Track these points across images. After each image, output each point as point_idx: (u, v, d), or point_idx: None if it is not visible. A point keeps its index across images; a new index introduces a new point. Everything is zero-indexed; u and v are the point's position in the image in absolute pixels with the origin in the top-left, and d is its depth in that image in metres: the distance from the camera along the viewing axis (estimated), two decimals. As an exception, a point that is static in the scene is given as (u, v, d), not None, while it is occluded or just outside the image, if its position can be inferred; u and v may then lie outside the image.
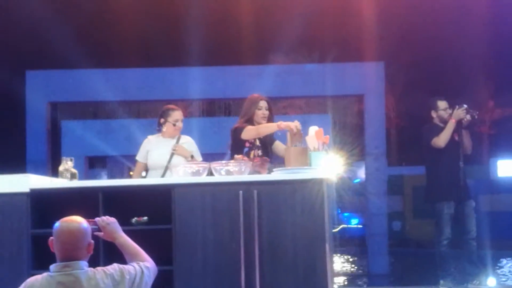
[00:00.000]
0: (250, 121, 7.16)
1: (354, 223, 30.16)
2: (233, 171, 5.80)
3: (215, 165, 5.87)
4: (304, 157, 5.90)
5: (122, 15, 27.86)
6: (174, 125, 7.44)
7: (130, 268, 3.99)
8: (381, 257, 17.67)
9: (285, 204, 5.52)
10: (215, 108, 20.36)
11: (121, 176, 20.30)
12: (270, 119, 7.17)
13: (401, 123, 36.93)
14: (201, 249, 5.53)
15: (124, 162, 20.16)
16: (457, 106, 8.46)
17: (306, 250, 5.46)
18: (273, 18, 29.76)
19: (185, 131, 7.68)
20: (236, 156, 6.28)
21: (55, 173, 6.39)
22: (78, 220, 3.90)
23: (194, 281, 5.52)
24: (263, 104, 7.19)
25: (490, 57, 31.84)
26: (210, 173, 5.88)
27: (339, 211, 29.83)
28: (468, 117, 8.43)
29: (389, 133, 31.78)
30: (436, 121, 8.67)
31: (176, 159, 7.28)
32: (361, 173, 23.89)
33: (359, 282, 16.60)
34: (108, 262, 4.08)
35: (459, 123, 8.42)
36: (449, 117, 8.47)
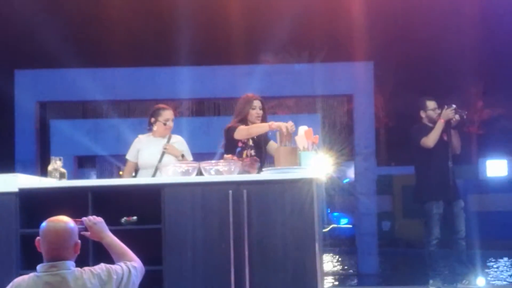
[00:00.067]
0: (244, 120, 7.16)
1: (344, 223, 30.18)
2: (222, 170, 5.80)
3: (204, 164, 5.86)
4: (294, 157, 5.90)
5: (111, 14, 27.83)
6: (165, 124, 7.44)
7: (117, 268, 3.98)
8: (371, 257, 17.70)
9: (274, 204, 5.52)
10: (205, 108, 20.31)
11: (111, 175, 20.24)
12: (263, 119, 7.17)
13: (390, 123, 36.98)
14: (190, 249, 5.52)
15: (113, 162, 20.11)
16: (446, 106, 8.48)
17: (295, 249, 5.46)
18: (262, 18, 29.77)
19: (175, 130, 7.69)
20: (225, 155, 6.28)
21: (44, 172, 6.38)
22: (64, 220, 3.89)
23: (183, 281, 5.52)
24: (257, 103, 7.19)
25: (479, 57, 31.91)
26: (200, 173, 5.88)
27: (329, 211, 29.86)
28: (457, 117, 8.45)
29: (378, 133, 31.82)
30: (425, 121, 8.68)
31: (167, 158, 7.28)
32: (351, 173, 23.90)
33: (349, 282, 16.62)
34: (97, 262, 4.07)
35: (448, 123, 8.44)
36: (438, 117, 8.49)
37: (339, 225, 29.89)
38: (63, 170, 6.02)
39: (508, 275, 16.43)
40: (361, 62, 19.43)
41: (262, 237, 5.49)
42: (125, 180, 6.40)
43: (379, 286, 15.38)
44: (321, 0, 29.93)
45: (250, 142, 7.10)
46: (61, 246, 3.81)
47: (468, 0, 30.21)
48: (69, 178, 6.25)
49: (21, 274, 3.95)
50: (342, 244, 25.67)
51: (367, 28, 29.35)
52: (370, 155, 18.01)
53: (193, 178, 5.79)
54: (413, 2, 31.20)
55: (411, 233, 24.26)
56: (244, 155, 6.98)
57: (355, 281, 16.87)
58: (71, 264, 3.82)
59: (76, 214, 4.23)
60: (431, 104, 8.69)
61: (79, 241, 3.91)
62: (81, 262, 4.05)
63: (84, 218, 4.18)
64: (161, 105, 7.66)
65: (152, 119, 7.49)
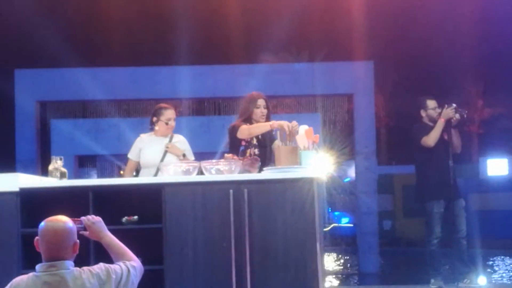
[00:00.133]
0: (249, 119, 7.17)
1: (345, 222, 30.19)
2: (223, 170, 5.80)
3: (205, 164, 5.86)
4: (294, 156, 5.90)
5: (111, 14, 27.82)
6: (167, 123, 7.44)
7: (117, 267, 3.98)
8: (372, 256, 17.69)
9: (275, 203, 5.52)
10: (205, 107, 20.30)
11: (111, 175, 20.23)
12: (268, 118, 7.16)
13: (391, 122, 36.97)
14: (191, 248, 5.52)
15: (114, 161, 20.10)
16: (446, 105, 8.48)
17: (296, 249, 5.46)
18: (262, 17, 29.76)
19: (175, 130, 7.69)
20: (226, 155, 6.28)
21: (44, 172, 6.38)
22: (63, 220, 3.88)
23: (184, 280, 5.52)
24: (261, 102, 7.20)
25: (480, 57, 31.91)
26: (201, 172, 5.88)
27: (330, 210, 29.86)
28: (457, 116, 8.45)
29: (379, 132, 31.81)
30: (426, 120, 8.68)
31: (169, 157, 7.29)
32: (351, 172, 23.88)
33: (350, 281, 16.61)
34: (98, 262, 4.06)
35: (448, 122, 8.43)
36: (438, 116, 8.49)
37: (340, 224, 29.89)
38: (63, 169, 6.02)
39: (509, 274, 16.42)
40: (361, 62, 19.41)
41: (263, 237, 5.49)
42: (125, 180, 6.40)
43: (380, 285, 15.36)
44: (321, 0, 29.92)
45: (254, 141, 7.11)
46: (60, 246, 3.80)
47: (467, 0, 30.19)
48: (70, 177, 6.25)
49: (22, 274, 3.95)
50: (343, 243, 25.67)
51: (367, 27, 29.34)
52: (371, 154, 18.00)
53: (194, 178, 5.79)
54: (413, 1, 31.20)
55: (412, 232, 24.28)
56: (247, 154, 6.99)
57: (356, 280, 16.86)
58: (70, 264, 3.82)
59: (77, 213, 4.23)
60: (431, 103, 8.69)
61: (78, 241, 3.91)
62: (82, 262, 4.04)
63: (83, 218, 4.18)
64: (163, 105, 7.66)
65: (154, 119, 7.49)
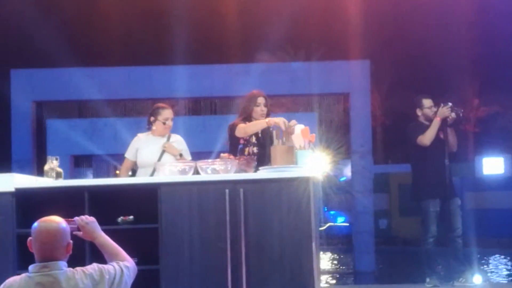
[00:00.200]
0: (249, 118, 7.18)
1: (341, 221, 30.20)
2: (219, 169, 5.80)
3: (201, 163, 5.86)
4: (290, 156, 5.90)
5: (107, 13, 27.79)
6: (164, 123, 7.44)
7: (110, 267, 3.97)
8: (368, 255, 17.70)
9: (271, 202, 5.52)
10: (201, 106, 20.31)
11: (107, 175, 20.24)
12: (268, 116, 7.16)
13: (387, 121, 37.01)
14: (187, 248, 5.52)
15: (109, 161, 20.11)
16: (442, 104, 8.49)
17: (292, 248, 5.46)
18: (259, 17, 29.77)
19: (172, 129, 7.68)
20: (222, 154, 6.29)
21: (40, 172, 6.37)
22: (56, 220, 3.87)
23: (180, 280, 5.52)
24: (261, 100, 7.20)
25: (475, 55, 31.95)
26: (197, 172, 5.88)
27: (326, 209, 29.88)
28: (453, 115, 8.47)
29: (375, 131, 31.84)
30: (421, 119, 8.69)
31: (166, 157, 7.29)
32: (347, 171, 23.89)
33: (346, 280, 16.62)
34: (93, 262, 4.06)
35: (444, 121, 8.45)
36: (434, 115, 8.50)
37: (336, 224, 29.90)
38: (59, 169, 6.02)
39: (505, 273, 16.45)
40: (357, 61, 19.40)
41: (259, 236, 5.49)
42: (121, 180, 6.40)
43: (376, 284, 15.37)
44: (317, -1, 29.95)
45: (253, 139, 7.11)
46: (53, 247, 3.80)
47: (463, -1, 30.23)
48: (66, 177, 6.25)
49: (17, 274, 3.94)
50: (339, 242, 25.72)
51: (364, 26, 29.34)
52: (367, 153, 18.00)
53: (190, 177, 5.79)
54: (409, 1, 31.21)
55: (407, 231, 24.30)
56: (245, 153, 7.00)
57: (352, 279, 16.87)
58: (63, 264, 3.81)
59: (73, 213, 4.23)
60: (427, 102, 8.70)
61: (71, 241, 3.90)
62: (77, 262, 4.04)
63: (76, 218, 4.16)
64: (160, 104, 7.66)
65: (152, 118, 7.49)
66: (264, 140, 7.14)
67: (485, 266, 17.00)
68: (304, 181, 5.50)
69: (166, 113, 7.47)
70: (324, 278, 15.56)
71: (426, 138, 8.43)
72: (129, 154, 7.50)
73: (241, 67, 18.90)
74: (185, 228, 5.54)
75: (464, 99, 33.20)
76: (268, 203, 5.52)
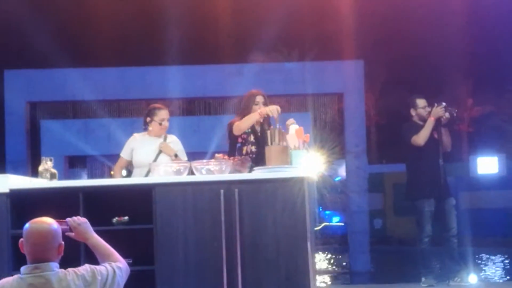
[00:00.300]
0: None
1: (336, 221, 30.23)
2: (213, 170, 5.80)
3: (196, 164, 5.86)
4: (285, 156, 5.90)
5: (100, 14, 27.75)
6: (160, 124, 7.43)
7: (102, 268, 3.96)
8: (363, 255, 17.71)
9: (266, 203, 5.52)
10: (195, 107, 20.29)
11: (102, 175, 20.20)
12: (268, 116, 7.14)
13: (381, 121, 37.03)
14: (182, 249, 5.52)
15: (104, 162, 20.07)
16: (436, 104, 8.50)
17: (287, 248, 5.46)
18: (252, 17, 29.75)
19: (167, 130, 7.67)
20: (216, 155, 6.29)
21: (34, 173, 6.36)
22: (48, 221, 3.86)
23: (176, 280, 5.51)
24: (259, 99, 7.20)
25: (469, 55, 31.99)
26: (191, 172, 5.87)
27: (320, 209, 29.90)
28: (447, 115, 8.48)
29: (369, 131, 31.84)
30: (415, 119, 8.70)
31: (162, 158, 7.28)
32: (342, 171, 23.92)
33: (341, 280, 16.62)
34: (89, 263, 4.05)
35: (438, 121, 8.45)
36: (428, 115, 8.50)
37: (331, 223, 29.94)
38: (54, 170, 6.01)
39: (500, 272, 16.47)
40: (351, 61, 19.42)
41: (254, 236, 5.49)
42: (116, 180, 6.39)
43: (371, 284, 15.37)
44: (311, -1, 29.96)
45: (251, 138, 7.12)
46: (45, 248, 3.79)
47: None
48: (60, 178, 6.24)
49: (12, 275, 3.93)
50: (334, 242, 25.73)
51: (357, 26, 29.35)
52: (361, 153, 18.01)
53: (185, 178, 5.78)
54: (403, 1, 31.24)
55: (402, 230, 24.33)
56: (244, 151, 7.01)
57: (347, 279, 16.88)
58: (55, 265, 3.80)
59: (67, 214, 4.21)
60: (421, 102, 8.71)
61: (63, 242, 3.88)
62: (72, 263, 4.03)
63: (68, 219, 4.15)
64: (156, 105, 7.65)
65: (148, 119, 7.48)
66: (263, 139, 7.14)
67: (480, 266, 17.02)
68: (299, 181, 5.50)
69: (162, 114, 7.47)
70: (319, 278, 15.56)
71: (420, 138, 8.44)
72: (124, 153, 7.50)
73: (235, 67, 18.90)
74: (180, 228, 5.54)
75: (458, 99, 33.23)
76: (263, 204, 5.52)
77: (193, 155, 8.06)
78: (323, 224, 28.38)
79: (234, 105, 17.24)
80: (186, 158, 7.32)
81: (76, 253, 5.16)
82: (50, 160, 6.03)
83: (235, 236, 5.46)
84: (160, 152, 7.35)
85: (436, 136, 8.47)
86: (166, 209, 5.57)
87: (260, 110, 6.77)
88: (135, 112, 18.79)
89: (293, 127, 6.16)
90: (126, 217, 5.70)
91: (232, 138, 7.13)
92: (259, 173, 5.73)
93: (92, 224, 4.26)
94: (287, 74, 18.29)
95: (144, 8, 29.90)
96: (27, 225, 3.85)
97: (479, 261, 17.99)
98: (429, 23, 32.64)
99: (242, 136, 7.09)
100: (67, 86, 17.41)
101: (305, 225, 5.47)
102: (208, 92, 18.42)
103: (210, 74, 18.29)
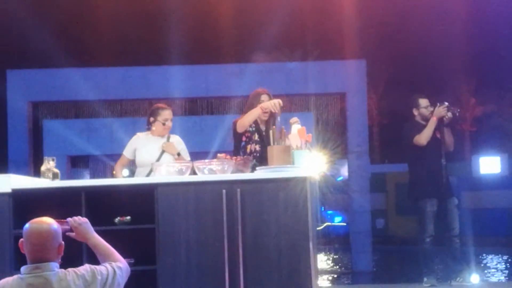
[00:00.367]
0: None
1: (338, 221, 30.21)
2: (216, 170, 5.79)
3: (198, 164, 5.86)
4: (287, 156, 5.90)
5: (102, 14, 27.77)
6: (164, 124, 7.43)
7: (102, 268, 3.96)
8: (365, 255, 17.70)
9: (268, 202, 5.51)
10: (197, 106, 20.28)
11: (104, 175, 20.20)
12: (272, 115, 7.14)
13: (384, 121, 37.03)
14: (184, 249, 5.51)
15: (106, 162, 20.06)
16: (438, 104, 8.49)
17: (289, 248, 5.46)
18: (255, 17, 29.76)
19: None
20: (219, 155, 6.28)
21: (37, 173, 6.37)
22: (48, 221, 3.86)
23: (177, 280, 5.51)
24: (264, 98, 7.18)
25: (472, 55, 31.98)
26: (193, 172, 5.87)
27: (323, 209, 29.87)
28: (450, 114, 8.47)
29: (371, 131, 31.84)
30: (418, 118, 8.69)
31: (165, 157, 7.28)
32: (344, 171, 23.89)
33: (343, 280, 16.62)
34: (91, 263, 4.05)
35: (440, 120, 8.45)
36: (430, 115, 8.50)
37: (333, 223, 29.91)
38: (56, 170, 6.00)
39: (502, 272, 16.46)
40: (353, 60, 19.41)
41: (256, 236, 5.48)
42: (118, 180, 6.39)
43: (373, 284, 15.36)
44: (313, -1, 29.97)
45: (255, 137, 7.10)
46: (45, 248, 3.79)
47: (459, -2, 30.25)
48: (62, 178, 6.23)
49: (14, 275, 3.93)
50: (336, 242, 25.70)
51: (360, 26, 29.37)
52: (364, 153, 18.01)
53: (187, 178, 5.78)
54: (405, 0, 31.23)
55: (404, 230, 24.29)
56: (248, 150, 7.00)
57: (349, 279, 16.86)
58: (55, 265, 3.80)
59: (70, 214, 4.22)
60: (423, 101, 8.70)
61: (63, 242, 3.89)
62: (75, 263, 4.03)
63: (69, 219, 4.15)
64: (160, 105, 7.65)
65: (151, 119, 7.48)
66: (268, 138, 7.14)
67: (482, 265, 17.00)
68: (301, 181, 5.50)
69: (166, 114, 7.46)
70: (321, 278, 15.56)
71: (423, 137, 8.44)
72: (126, 152, 7.50)
73: (237, 67, 18.89)
74: (182, 228, 5.54)
75: (461, 99, 33.28)
76: (265, 203, 5.52)
77: (196, 155, 8.06)
78: (325, 224, 28.36)
79: (236, 105, 17.24)
80: (189, 158, 7.31)
81: (78, 253, 5.16)
82: (53, 160, 6.03)
83: (237, 236, 5.45)
84: (163, 151, 7.35)
85: (438, 135, 8.46)
86: (168, 209, 5.56)
87: (262, 105, 6.77)
88: (137, 111, 18.80)
89: (296, 127, 6.16)
90: (128, 217, 5.70)
91: (237, 137, 7.13)
92: (261, 173, 5.72)
93: (94, 224, 4.26)
94: (289, 74, 18.29)
95: (146, 8, 29.93)
96: (27, 225, 3.85)
97: (481, 261, 17.98)
98: (431, 23, 32.65)
99: (246, 134, 7.09)
100: (70, 86, 17.42)
101: (307, 225, 5.47)
102: (210, 92, 18.42)
103: (212, 73, 18.29)
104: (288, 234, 5.47)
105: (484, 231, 20.47)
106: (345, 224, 27.10)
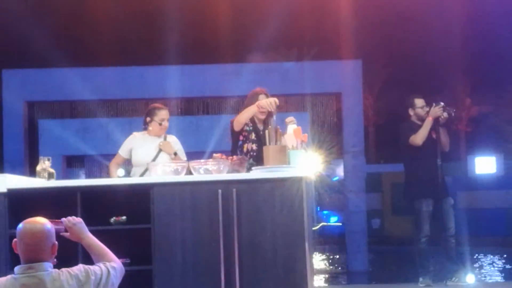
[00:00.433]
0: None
1: (333, 221, 30.24)
2: (211, 170, 5.79)
3: (194, 164, 5.85)
4: (283, 156, 5.90)
5: (99, 13, 27.76)
6: (160, 124, 7.42)
7: (96, 268, 3.95)
8: (360, 255, 17.71)
9: (264, 202, 5.52)
10: (194, 106, 20.29)
11: (100, 175, 20.20)
12: (270, 114, 7.14)
13: (379, 121, 37.06)
14: (180, 248, 5.51)
15: (102, 161, 20.06)
16: (434, 104, 8.50)
17: (285, 248, 5.46)
18: (251, 17, 29.77)
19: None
20: (214, 154, 6.28)
21: (32, 172, 6.36)
22: (41, 221, 3.85)
23: (173, 280, 5.51)
24: (262, 98, 7.18)
25: (467, 55, 32.03)
26: (189, 172, 5.87)
27: (318, 209, 29.89)
28: (445, 114, 8.47)
29: (367, 131, 31.91)
30: (414, 119, 8.69)
31: (162, 157, 7.27)
32: (340, 171, 23.92)
33: (339, 280, 16.63)
34: (87, 263, 4.05)
35: (436, 120, 8.45)
36: (426, 115, 8.50)
37: (328, 223, 29.94)
38: (51, 170, 5.99)
39: (498, 272, 16.48)
40: (349, 61, 19.42)
41: (252, 236, 5.48)
42: (114, 180, 6.38)
43: (369, 284, 15.38)
44: (309, -1, 29.98)
45: (252, 136, 7.10)
46: (38, 248, 3.78)
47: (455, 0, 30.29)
48: (58, 178, 6.23)
49: (8, 275, 3.93)
50: (331, 242, 25.71)
51: (355, 26, 29.38)
52: (359, 153, 18.02)
53: (182, 178, 5.78)
54: (401, 1, 31.25)
55: (400, 230, 24.33)
56: (244, 149, 7.00)
57: (345, 279, 16.88)
58: (48, 265, 3.79)
59: (65, 214, 4.21)
60: (419, 102, 8.71)
61: (56, 242, 3.88)
62: (71, 263, 4.03)
63: (63, 219, 4.14)
64: (156, 105, 7.63)
65: (148, 119, 7.46)
66: (264, 137, 7.14)
67: (478, 266, 17.03)
68: (297, 181, 5.50)
69: (162, 114, 7.45)
70: (317, 278, 15.57)
71: (418, 137, 8.44)
72: (122, 151, 7.49)
73: (233, 67, 18.90)
74: (178, 228, 5.54)
75: (456, 99, 33.28)
76: (261, 203, 5.52)
77: (192, 155, 8.06)
78: (321, 224, 28.37)
79: (232, 105, 17.26)
80: (185, 158, 7.31)
81: (73, 253, 5.15)
82: (48, 159, 6.02)
83: (233, 235, 5.46)
84: (160, 150, 7.35)
85: (434, 135, 8.47)
86: (164, 209, 5.56)
87: (258, 103, 6.77)
88: (133, 111, 18.79)
89: (291, 127, 6.16)
90: (124, 217, 5.69)
91: (234, 136, 7.13)
92: (257, 173, 5.73)
93: (90, 224, 4.26)
94: (285, 74, 18.29)
95: (143, 8, 29.92)
96: (20, 225, 3.85)
97: (477, 261, 18.00)
98: (427, 23, 32.67)
99: (243, 133, 7.09)
100: (66, 85, 17.41)
101: (303, 225, 5.47)
102: (207, 92, 18.42)
103: (209, 73, 18.29)
104: (284, 234, 5.47)
105: (479, 231, 20.49)
106: (340, 224, 27.12)
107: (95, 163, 20.87)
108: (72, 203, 5.50)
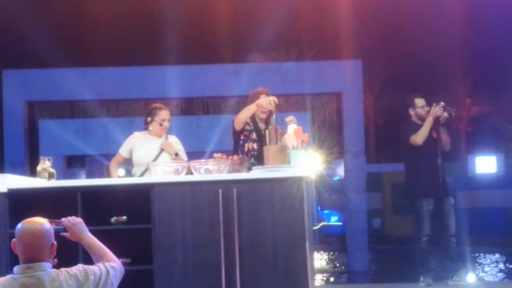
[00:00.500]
0: (252, 115, 7.17)
1: (334, 220, 30.24)
2: (212, 169, 5.78)
3: (194, 164, 5.85)
4: (283, 155, 5.89)
5: (99, 14, 27.75)
6: (161, 124, 7.41)
7: (95, 268, 3.95)
8: (361, 254, 17.72)
9: (264, 202, 5.51)
10: (194, 106, 20.30)
11: (100, 175, 20.20)
12: (270, 114, 7.13)
13: (379, 121, 37.07)
14: (181, 248, 5.51)
15: (102, 161, 20.06)
16: (434, 104, 8.49)
17: (286, 248, 5.46)
18: (251, 17, 29.76)
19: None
20: (215, 154, 6.28)
21: (33, 172, 6.35)
22: (40, 221, 3.85)
23: (174, 280, 5.50)
24: (263, 98, 7.17)
25: (468, 55, 32.01)
26: (190, 172, 5.86)
27: (319, 209, 29.90)
28: (446, 114, 8.46)
29: (367, 130, 31.92)
30: (414, 118, 8.69)
31: (163, 157, 7.27)
32: (340, 171, 23.92)
33: (339, 279, 16.63)
34: (87, 263, 4.05)
35: (436, 120, 8.44)
36: (426, 115, 8.49)
37: (329, 223, 29.94)
38: (52, 170, 5.99)
39: (498, 271, 16.48)
40: (349, 60, 19.44)
41: (252, 236, 5.48)
42: (114, 180, 6.38)
43: (369, 283, 15.38)
44: (309, -1, 29.98)
45: (253, 135, 7.09)
46: (37, 248, 3.77)
47: (455, -1, 30.28)
48: (58, 178, 6.22)
49: (7, 275, 3.92)
50: (332, 241, 25.74)
51: (355, 26, 29.38)
52: (360, 153, 18.03)
53: (183, 178, 5.77)
54: (401, 1, 31.25)
55: (401, 230, 24.34)
56: (245, 149, 7.00)
57: (346, 278, 16.89)
58: (47, 265, 3.79)
59: (65, 214, 4.21)
60: (419, 101, 8.70)
61: (55, 242, 3.87)
62: (71, 263, 4.03)
63: (63, 219, 4.14)
64: (157, 105, 7.63)
65: (148, 119, 7.46)
66: (265, 137, 7.13)
67: (478, 265, 17.02)
68: (297, 180, 5.50)
69: (163, 114, 7.45)
70: (318, 277, 15.57)
71: (419, 137, 8.43)
72: (122, 150, 7.49)
73: (233, 67, 18.90)
74: (178, 228, 5.53)
75: (457, 98, 33.28)
76: (261, 203, 5.51)
77: (192, 155, 8.06)
78: (321, 224, 28.38)
79: (232, 105, 17.26)
80: (186, 158, 7.30)
81: (74, 253, 5.15)
82: (49, 159, 6.02)
83: (233, 235, 5.45)
84: (161, 150, 7.34)
85: (434, 135, 8.46)
86: (165, 209, 5.56)
87: (257, 101, 6.75)
88: (134, 111, 18.81)
89: (292, 127, 6.15)
90: (125, 217, 5.69)
91: (235, 135, 7.12)
92: (257, 173, 5.72)
93: (90, 224, 4.26)
94: (285, 74, 18.31)
95: (143, 8, 29.91)
96: (19, 225, 3.84)
97: (477, 261, 18.00)
98: (427, 23, 32.67)
99: (244, 133, 7.08)
100: (66, 85, 17.42)
101: (304, 224, 5.46)
102: (207, 92, 18.43)
103: (209, 73, 18.30)
104: (284, 234, 5.46)
105: (480, 231, 20.49)
106: (341, 223, 27.13)
107: (96, 163, 20.88)
108: (72, 203, 5.49)
